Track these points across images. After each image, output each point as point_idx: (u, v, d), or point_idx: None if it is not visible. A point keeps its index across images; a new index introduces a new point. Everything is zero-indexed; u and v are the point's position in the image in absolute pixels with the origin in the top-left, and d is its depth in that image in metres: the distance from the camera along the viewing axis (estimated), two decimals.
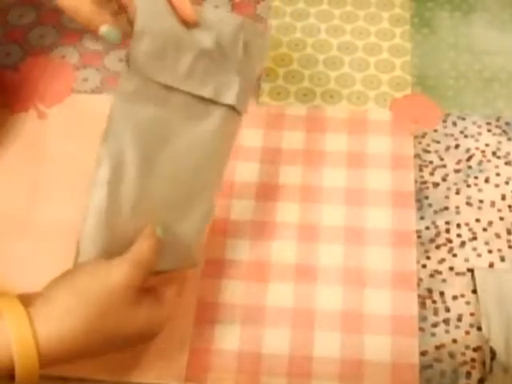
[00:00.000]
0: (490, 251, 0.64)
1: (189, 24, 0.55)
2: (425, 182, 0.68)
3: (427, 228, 0.65)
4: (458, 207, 0.66)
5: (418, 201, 0.67)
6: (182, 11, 0.54)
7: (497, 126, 0.71)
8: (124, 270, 0.48)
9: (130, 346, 0.51)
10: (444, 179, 0.68)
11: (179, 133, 0.55)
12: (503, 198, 0.67)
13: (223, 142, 0.58)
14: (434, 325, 0.60)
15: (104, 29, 0.55)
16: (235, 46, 0.57)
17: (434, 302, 0.61)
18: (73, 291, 0.47)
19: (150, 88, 0.54)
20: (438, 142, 0.70)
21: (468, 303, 0.61)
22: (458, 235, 0.65)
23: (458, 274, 0.63)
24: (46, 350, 0.45)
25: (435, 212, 0.66)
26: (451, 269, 0.63)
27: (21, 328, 0.45)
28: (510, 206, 0.66)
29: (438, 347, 0.59)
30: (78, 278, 0.48)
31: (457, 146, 0.70)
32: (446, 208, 0.66)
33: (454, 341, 0.59)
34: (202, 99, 0.56)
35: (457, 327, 0.60)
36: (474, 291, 0.62)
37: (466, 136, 0.71)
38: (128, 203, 0.52)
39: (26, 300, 0.47)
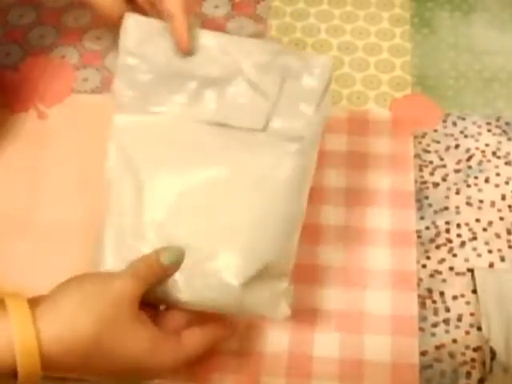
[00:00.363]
0: (489, 251, 0.64)
1: (183, 53, 0.56)
2: (425, 182, 0.68)
3: (427, 228, 0.65)
4: (457, 207, 0.66)
5: (418, 201, 0.67)
6: (179, 41, 0.55)
7: (497, 126, 0.71)
8: (126, 279, 0.49)
9: (130, 371, 0.49)
10: (444, 179, 0.68)
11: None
12: (503, 198, 0.67)
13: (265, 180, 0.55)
14: (434, 325, 0.60)
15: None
16: (268, 72, 0.55)
17: (434, 302, 0.61)
18: (78, 297, 0.48)
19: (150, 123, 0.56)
20: (438, 142, 0.70)
21: (468, 303, 0.61)
22: (458, 235, 0.65)
23: (458, 273, 0.63)
24: (47, 351, 0.46)
25: (435, 212, 0.66)
26: (451, 269, 0.63)
27: (24, 327, 0.45)
28: (510, 206, 0.66)
29: (438, 347, 0.59)
30: (83, 285, 0.49)
31: (457, 146, 0.70)
32: (446, 208, 0.66)
33: (454, 341, 0.59)
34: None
35: (457, 327, 0.60)
36: (474, 291, 0.62)
37: (466, 136, 0.71)
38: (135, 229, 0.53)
39: (34, 302, 0.47)
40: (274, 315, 0.54)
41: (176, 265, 0.51)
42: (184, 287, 0.52)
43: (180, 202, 0.54)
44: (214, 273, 0.52)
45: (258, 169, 0.54)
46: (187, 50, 0.56)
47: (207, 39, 0.56)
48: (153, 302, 0.52)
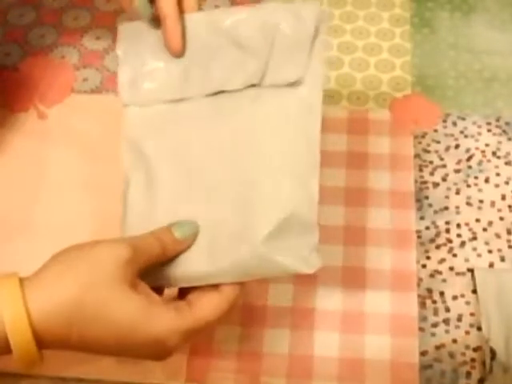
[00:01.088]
0: (490, 251, 0.64)
1: (173, 54, 0.56)
2: (425, 182, 0.68)
3: (427, 228, 0.65)
4: (457, 207, 0.66)
5: (418, 201, 0.67)
6: (170, 44, 0.56)
7: (497, 126, 0.71)
8: (113, 244, 0.48)
9: (121, 341, 0.47)
10: (444, 179, 0.68)
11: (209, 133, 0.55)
12: (503, 198, 0.67)
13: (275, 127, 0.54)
14: (434, 325, 0.60)
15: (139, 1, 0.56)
16: (256, 31, 0.55)
17: (434, 302, 0.61)
18: (61, 262, 0.47)
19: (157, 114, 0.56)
20: (438, 142, 0.70)
21: (468, 303, 0.61)
22: (458, 235, 0.65)
23: (458, 273, 0.63)
24: (38, 324, 0.45)
25: (435, 212, 0.66)
26: (451, 269, 0.63)
27: (14, 306, 0.45)
28: (510, 206, 0.66)
29: (438, 347, 0.59)
30: (67, 253, 0.48)
31: (457, 146, 0.70)
32: (446, 208, 0.66)
33: (454, 341, 0.59)
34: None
35: (457, 327, 0.60)
36: (474, 291, 0.62)
37: (466, 136, 0.71)
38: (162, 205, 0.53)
39: (25, 280, 0.47)
40: (303, 268, 0.51)
41: (190, 239, 0.51)
42: (204, 258, 0.50)
43: (193, 177, 0.53)
44: (236, 234, 0.50)
45: (265, 119, 0.53)
46: (178, 52, 0.56)
47: (193, 22, 0.57)
48: (172, 285, 0.51)
